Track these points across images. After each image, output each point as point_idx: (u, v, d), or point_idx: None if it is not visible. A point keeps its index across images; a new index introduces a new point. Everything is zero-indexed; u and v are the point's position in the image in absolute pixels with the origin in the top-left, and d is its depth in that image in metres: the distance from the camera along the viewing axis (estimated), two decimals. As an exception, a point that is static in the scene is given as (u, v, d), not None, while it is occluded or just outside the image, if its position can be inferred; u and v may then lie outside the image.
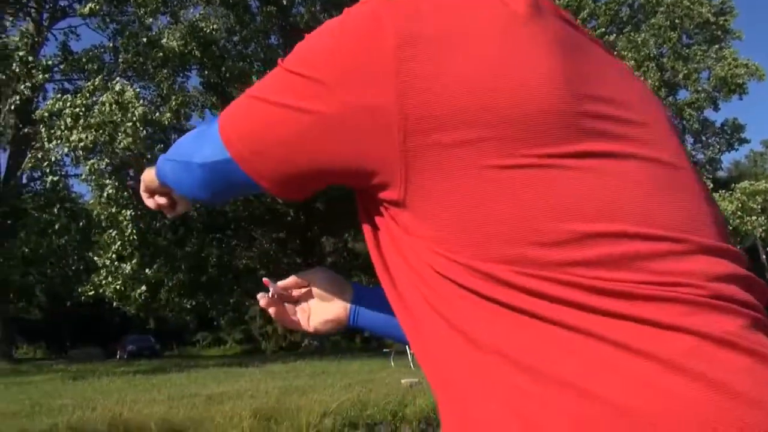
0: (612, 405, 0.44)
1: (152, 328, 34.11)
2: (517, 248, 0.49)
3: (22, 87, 14.32)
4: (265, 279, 0.81)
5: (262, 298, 0.81)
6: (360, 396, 8.07)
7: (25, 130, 16.08)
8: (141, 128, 13.37)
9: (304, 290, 0.84)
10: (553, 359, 0.47)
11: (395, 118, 0.52)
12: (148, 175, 0.87)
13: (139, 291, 13.88)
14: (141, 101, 13.60)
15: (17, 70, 14.12)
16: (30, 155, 15.38)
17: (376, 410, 7.24)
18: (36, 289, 20.03)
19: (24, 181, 17.39)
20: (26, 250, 15.39)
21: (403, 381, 9.62)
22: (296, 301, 0.84)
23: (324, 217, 24.53)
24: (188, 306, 20.62)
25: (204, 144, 0.68)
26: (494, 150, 0.50)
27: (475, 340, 0.50)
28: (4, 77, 14.37)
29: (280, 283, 0.83)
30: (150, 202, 0.91)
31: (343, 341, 33.98)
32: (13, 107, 15.27)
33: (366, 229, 0.63)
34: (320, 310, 0.83)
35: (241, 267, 24.37)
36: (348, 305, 0.82)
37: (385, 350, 15.83)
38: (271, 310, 0.82)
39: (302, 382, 10.31)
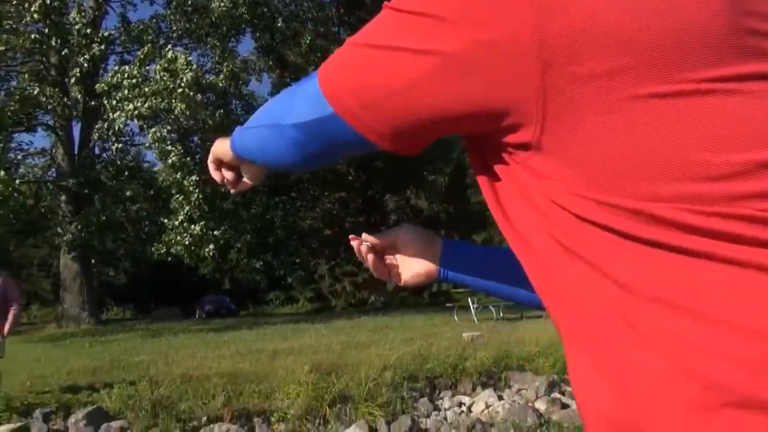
0: None
1: (228, 289, 35.62)
2: (677, 184, 0.45)
3: (81, 60, 14.92)
4: (351, 236, 0.82)
5: (362, 245, 0.81)
6: (420, 350, 8.10)
7: (92, 102, 16.81)
8: (191, 93, 13.64)
9: (390, 247, 0.83)
10: (726, 302, 0.43)
11: (532, 51, 0.47)
12: (221, 147, 0.84)
13: (207, 249, 14.48)
14: (191, 67, 13.83)
15: (75, 43, 14.71)
16: (97, 126, 16.12)
17: (436, 363, 7.23)
18: (117, 254, 21.31)
19: (96, 152, 18.31)
20: (103, 217, 16.30)
21: (464, 335, 9.59)
22: (384, 256, 0.84)
23: (385, 174, 24.46)
24: (257, 266, 21.32)
25: (298, 103, 0.64)
26: (645, 77, 0.45)
27: (627, 285, 0.47)
28: (66, 51, 15.01)
29: (366, 236, 0.81)
30: (216, 175, 0.88)
31: (411, 297, 34.34)
32: (73, 80, 15.98)
33: (481, 178, 0.60)
34: (410, 264, 0.82)
35: (306, 227, 24.85)
36: (438, 258, 0.81)
37: (448, 305, 15.86)
38: (369, 257, 0.81)
39: (364, 337, 10.47)
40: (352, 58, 0.58)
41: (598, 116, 0.47)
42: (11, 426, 5.28)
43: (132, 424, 5.38)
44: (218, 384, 6.24)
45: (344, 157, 0.70)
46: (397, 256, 0.84)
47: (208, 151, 0.91)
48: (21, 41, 15.09)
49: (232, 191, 0.92)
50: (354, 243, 0.81)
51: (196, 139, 18.06)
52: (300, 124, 0.64)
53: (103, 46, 15.69)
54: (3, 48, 14.59)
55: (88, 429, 5.26)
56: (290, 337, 11.26)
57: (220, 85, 15.64)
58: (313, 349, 8.88)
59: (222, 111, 16.81)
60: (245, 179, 0.88)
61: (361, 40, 0.57)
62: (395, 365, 6.98)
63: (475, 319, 12.91)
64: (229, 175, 0.88)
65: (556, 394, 6.61)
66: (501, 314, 13.69)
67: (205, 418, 5.58)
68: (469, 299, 13.82)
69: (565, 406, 6.32)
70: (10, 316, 6.17)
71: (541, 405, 6.31)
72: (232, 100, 19.58)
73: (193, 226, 14.22)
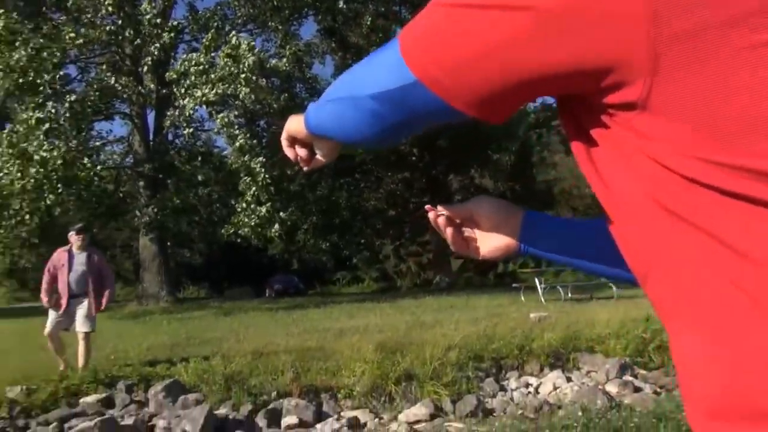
0: None
1: (296, 269, 36.47)
2: None
3: (153, 49, 15.52)
4: (427, 206, 0.79)
5: (439, 217, 0.77)
6: (486, 330, 8.03)
7: (164, 91, 17.49)
8: (254, 78, 13.91)
9: (468, 219, 0.80)
10: None
11: (640, 2, 0.44)
12: (294, 124, 0.82)
13: (273, 230, 14.88)
14: (253, 52, 14.09)
15: (146, 33, 15.33)
16: (169, 113, 16.78)
17: (502, 344, 7.15)
18: (191, 236, 22.26)
19: (170, 138, 19.09)
20: (177, 200, 17.04)
21: (531, 315, 9.43)
22: (462, 228, 0.80)
23: (448, 154, 24.23)
24: (323, 247, 21.72)
25: (376, 72, 0.61)
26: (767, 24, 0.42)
27: (744, 251, 0.44)
28: (139, 41, 15.67)
29: (443, 207, 0.78)
30: (290, 152, 0.87)
31: (476, 277, 34.08)
32: (146, 68, 16.68)
33: (576, 143, 0.56)
34: (488, 237, 0.78)
35: (370, 208, 25.04)
36: (518, 231, 0.76)
37: (514, 285, 15.62)
38: (448, 231, 0.78)
39: (430, 316, 10.48)
40: (436, 19, 0.54)
41: (714, 70, 0.43)
42: (98, 396, 5.64)
43: (207, 397, 5.62)
44: (287, 360, 6.42)
45: (425, 127, 0.67)
46: (476, 228, 0.80)
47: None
48: (98, 34, 15.87)
49: (305, 169, 0.90)
50: (431, 214, 0.78)
51: (262, 122, 18.47)
52: (379, 94, 0.61)
53: (172, 35, 16.25)
54: (82, 41, 15.38)
55: (167, 400, 5.54)
56: (356, 316, 11.43)
57: (283, 68, 15.88)
58: (379, 328, 8.97)
59: (286, 94, 17.09)
60: (318, 156, 0.86)
61: (446, 1, 0.53)
62: (460, 345, 6.95)
63: (543, 300, 12.65)
64: (302, 152, 0.86)
65: (628, 377, 6.40)
66: (569, 295, 13.34)
67: (275, 393, 5.75)
68: (536, 279, 13.54)
69: (637, 390, 6.11)
70: (107, 293, 6.61)
71: (612, 388, 6.13)
72: (296, 84, 19.84)
73: (259, 208, 14.62)
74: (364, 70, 0.64)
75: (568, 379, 6.50)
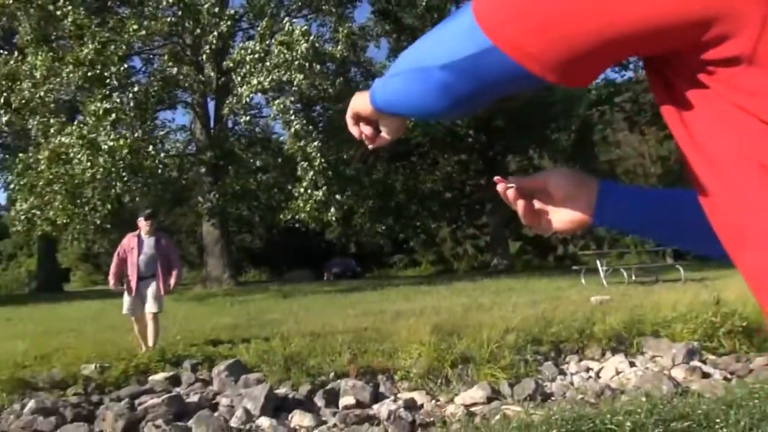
0: None
1: (353, 253, 36.91)
2: None
3: (211, 38, 15.89)
4: (497, 177, 0.77)
5: (509, 190, 0.74)
6: (545, 313, 7.88)
7: (223, 79, 17.89)
8: (307, 64, 14.00)
9: (539, 191, 0.77)
10: None
11: None
12: (360, 101, 0.82)
13: (330, 213, 15.05)
14: (306, 38, 14.17)
15: (206, 23, 15.70)
16: (227, 101, 17.17)
17: (561, 327, 7.00)
18: (252, 221, 22.81)
19: (229, 125, 19.54)
20: (237, 186, 17.48)
21: (592, 298, 9.18)
22: (533, 200, 0.77)
23: (505, 134, 23.75)
24: (380, 230, 21.83)
25: (447, 41, 0.58)
26: None
27: None
28: (198, 31, 16.08)
29: (513, 179, 0.75)
30: (354, 130, 0.86)
31: (535, 259, 33.50)
32: (204, 57, 17.09)
33: (666, 107, 0.52)
34: (561, 210, 0.75)
35: (426, 191, 24.95)
36: (593, 203, 0.72)
37: (574, 267, 15.23)
38: (520, 203, 0.75)
39: (487, 299, 10.38)
40: None
41: None
42: (165, 374, 5.90)
43: (267, 377, 5.78)
44: (344, 342, 6.51)
45: (498, 98, 0.63)
46: (548, 200, 0.76)
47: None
48: (159, 25, 16.40)
49: (370, 147, 0.88)
50: (500, 187, 0.75)
51: (318, 107, 18.63)
52: (450, 64, 0.57)
53: (230, 23, 16.57)
54: (145, 33, 15.93)
55: (229, 379, 5.73)
56: (412, 299, 11.46)
57: (338, 55, 15.92)
58: (435, 310, 8.96)
59: (341, 79, 17.14)
60: (383, 134, 0.84)
61: None
62: (518, 328, 6.85)
63: (605, 283, 12.28)
64: (367, 130, 0.84)
65: (695, 363, 6.13)
66: (633, 277, 12.89)
67: (333, 373, 5.85)
68: (598, 261, 13.13)
69: (706, 375, 5.85)
70: (174, 274, 6.90)
71: (678, 373, 5.89)
72: (351, 68, 19.83)
73: (316, 192, 14.81)
74: (433, 41, 0.61)
75: (632, 364, 6.30)
